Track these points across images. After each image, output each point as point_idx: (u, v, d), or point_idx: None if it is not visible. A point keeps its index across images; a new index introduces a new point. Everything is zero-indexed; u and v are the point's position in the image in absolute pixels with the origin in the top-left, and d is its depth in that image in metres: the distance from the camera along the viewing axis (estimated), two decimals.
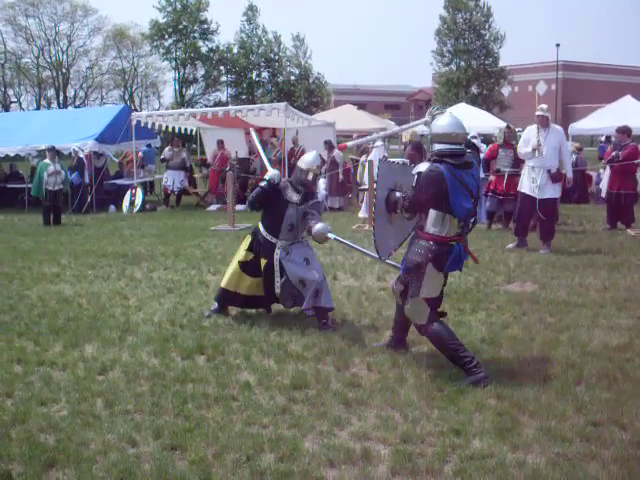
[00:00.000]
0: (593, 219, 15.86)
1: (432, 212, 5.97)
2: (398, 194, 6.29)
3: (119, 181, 21.98)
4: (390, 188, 6.38)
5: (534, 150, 11.64)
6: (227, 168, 18.90)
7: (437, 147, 6.02)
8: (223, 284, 8.10)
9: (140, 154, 22.72)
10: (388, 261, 6.99)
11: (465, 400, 5.45)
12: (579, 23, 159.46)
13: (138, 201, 20.15)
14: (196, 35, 58.76)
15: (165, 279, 10.22)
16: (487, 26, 59.76)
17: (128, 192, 20.43)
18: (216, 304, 8.21)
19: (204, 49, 59.45)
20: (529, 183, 11.85)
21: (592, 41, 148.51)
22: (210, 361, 6.57)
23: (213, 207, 20.30)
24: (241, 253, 8.08)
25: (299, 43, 59.89)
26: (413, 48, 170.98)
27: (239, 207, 17.46)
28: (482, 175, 15.34)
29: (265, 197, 7.86)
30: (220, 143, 21.28)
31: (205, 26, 58.89)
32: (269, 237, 7.86)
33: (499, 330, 7.33)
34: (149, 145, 23.63)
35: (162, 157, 22.29)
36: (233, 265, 8.12)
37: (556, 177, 11.74)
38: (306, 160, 8.03)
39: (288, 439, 4.86)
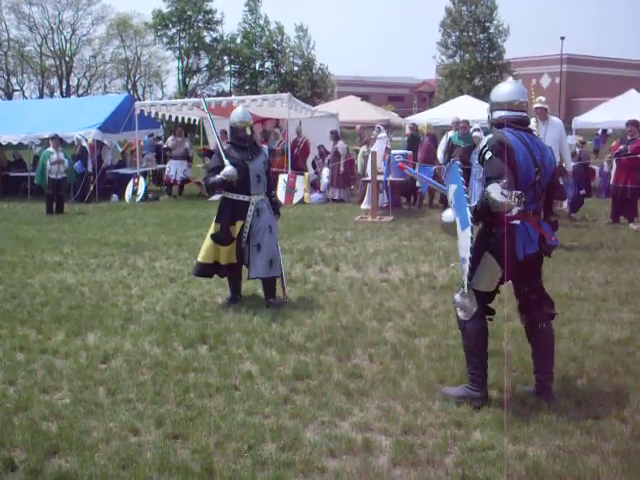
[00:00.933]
0: (596, 213, 15.84)
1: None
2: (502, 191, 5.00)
3: (122, 170, 21.98)
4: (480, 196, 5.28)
5: None
6: None
7: (497, 114, 5.45)
8: (200, 258, 8.26)
9: (141, 143, 22.71)
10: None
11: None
12: (584, 16, 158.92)
13: (141, 190, 20.16)
14: (200, 25, 58.65)
15: (167, 268, 10.23)
16: (492, 19, 59.64)
17: (131, 181, 20.44)
18: (229, 295, 8.40)
19: (208, 39, 59.36)
20: None
21: (597, 34, 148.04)
22: (212, 351, 6.58)
23: (215, 197, 20.25)
24: (211, 227, 8.26)
25: (302, 34, 59.77)
26: (417, 40, 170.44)
27: None
28: None
29: (223, 185, 8.08)
30: (223, 133, 21.24)
31: (210, 16, 58.79)
32: (241, 197, 8.05)
33: (501, 322, 7.32)
34: (151, 135, 23.60)
35: (165, 146, 22.31)
36: (206, 240, 8.26)
37: (558, 170, 11.57)
38: (237, 116, 8.20)
39: (289, 429, 4.88)
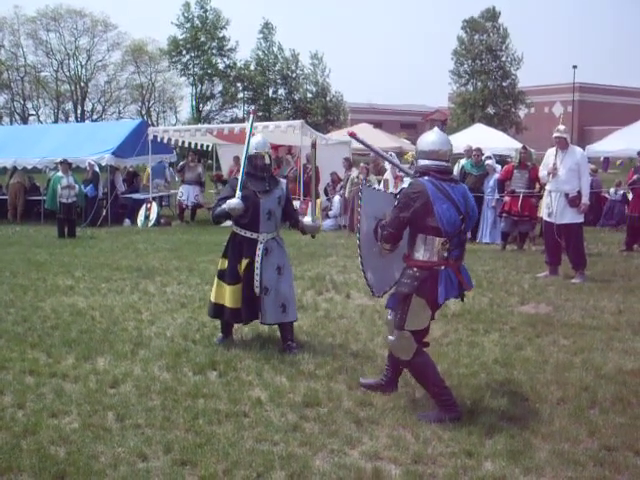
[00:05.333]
0: (608, 241, 15.79)
1: (417, 236, 5.55)
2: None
3: (134, 195, 22.09)
4: (379, 217, 5.93)
5: (549, 173, 11.24)
6: None
7: (422, 162, 5.68)
8: (212, 298, 7.73)
9: (148, 170, 22.86)
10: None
11: (477, 421, 5.41)
12: (596, 45, 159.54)
13: (153, 215, 20.24)
14: (214, 52, 59.16)
15: (178, 294, 10.24)
16: (504, 47, 59.95)
17: (143, 206, 20.53)
18: (221, 336, 7.78)
19: (221, 65, 59.83)
20: (545, 208, 11.49)
21: (609, 63, 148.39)
22: (222, 377, 6.55)
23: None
24: (219, 262, 7.78)
25: (317, 61, 60.18)
26: (429, 68, 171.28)
27: None
28: (497, 196, 15.39)
29: (228, 216, 7.51)
30: (236, 159, 21.36)
31: (223, 43, 59.29)
32: (249, 234, 7.47)
33: (512, 351, 7.29)
34: (160, 161, 23.72)
35: (179, 167, 22.48)
36: (215, 277, 7.79)
37: (574, 201, 11.06)
38: (257, 144, 7.59)
39: (299, 457, 4.84)
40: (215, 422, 5.48)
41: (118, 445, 5.04)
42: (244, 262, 7.44)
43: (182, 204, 21.44)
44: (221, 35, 59.27)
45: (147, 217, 20.22)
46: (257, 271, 7.38)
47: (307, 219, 7.79)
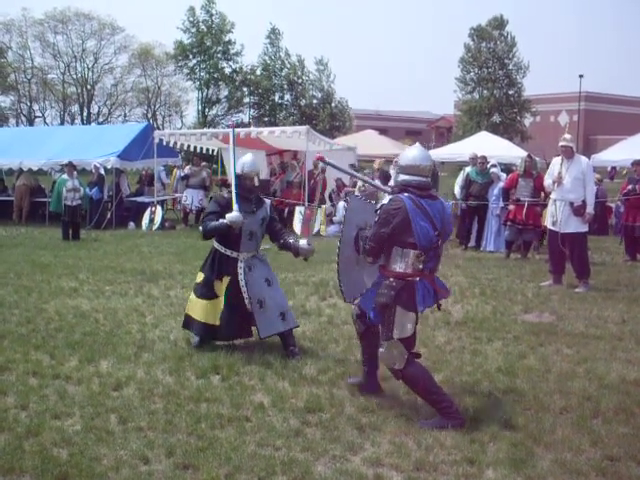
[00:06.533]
0: (612, 251, 15.78)
1: (393, 248, 5.72)
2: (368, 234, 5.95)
3: (139, 198, 22.11)
4: (360, 227, 6.12)
5: (554, 182, 11.20)
6: None
7: (402, 178, 5.83)
8: (186, 309, 7.89)
9: (149, 172, 22.85)
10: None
11: (479, 430, 5.41)
12: (603, 54, 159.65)
13: (157, 219, 20.26)
14: (219, 56, 59.21)
15: (182, 297, 10.23)
16: (511, 55, 59.96)
17: (148, 210, 20.55)
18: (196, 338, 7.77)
19: (227, 70, 59.89)
20: (549, 217, 11.44)
21: (615, 73, 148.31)
22: (225, 381, 6.56)
23: None
24: (197, 275, 7.86)
25: (322, 67, 60.21)
26: (435, 75, 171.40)
27: None
28: (501, 204, 15.39)
29: (223, 232, 7.46)
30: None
31: (229, 47, 59.34)
32: (229, 252, 7.52)
33: (515, 360, 7.28)
34: (164, 165, 23.69)
35: (182, 174, 22.46)
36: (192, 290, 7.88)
37: (579, 210, 11.01)
38: (247, 165, 7.62)
39: (300, 462, 4.84)
40: (217, 426, 5.48)
41: (120, 448, 5.05)
42: (225, 280, 7.52)
43: (186, 208, 21.45)
44: (227, 39, 59.32)
45: (152, 220, 20.23)
46: (243, 288, 7.43)
47: (303, 242, 7.72)
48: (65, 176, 18.00)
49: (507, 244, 14.96)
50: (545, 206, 12.90)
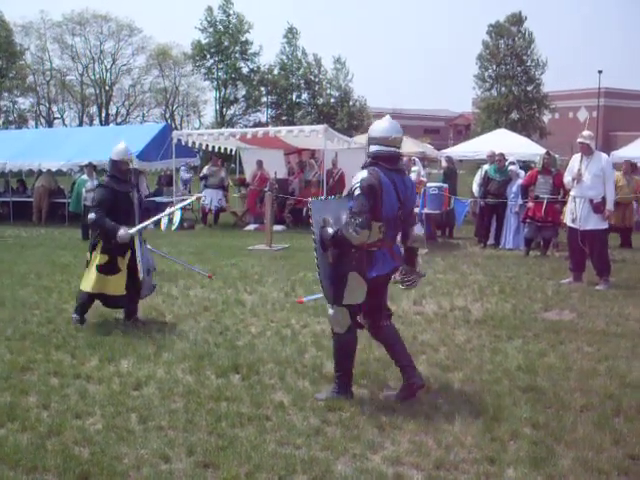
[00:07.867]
0: (633, 248, 15.66)
1: None
2: (330, 230, 5.94)
3: (158, 198, 22.19)
4: (320, 226, 6.09)
5: (573, 179, 11.15)
6: (266, 188, 19.02)
7: (375, 148, 6.01)
8: (85, 288, 8.52)
9: (168, 172, 22.96)
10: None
11: (500, 428, 5.39)
12: (621, 50, 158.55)
13: (176, 219, 20.31)
14: (237, 56, 59.36)
15: (201, 297, 10.27)
16: (529, 52, 59.71)
17: (167, 209, 20.57)
18: (76, 314, 8.64)
19: (245, 70, 60.02)
20: (569, 214, 11.39)
21: (635, 68, 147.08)
22: (245, 380, 6.57)
23: (251, 227, 20.37)
24: (97, 258, 8.44)
25: (340, 66, 60.21)
26: (454, 73, 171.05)
27: (277, 227, 17.55)
28: (520, 202, 15.32)
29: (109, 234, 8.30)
30: (259, 163, 21.42)
31: (246, 47, 59.48)
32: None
33: (535, 358, 7.25)
34: (184, 164, 23.76)
35: (201, 175, 22.52)
36: (92, 271, 8.45)
37: (598, 207, 10.99)
38: (119, 152, 8.89)
39: (321, 461, 4.85)
40: (237, 425, 5.49)
41: (141, 447, 5.08)
42: (128, 254, 8.45)
43: (205, 208, 21.50)
44: (244, 39, 59.46)
45: (170, 220, 20.28)
46: (139, 259, 8.40)
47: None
48: (85, 177, 18.11)
49: (526, 242, 14.88)
50: (564, 203, 12.83)
